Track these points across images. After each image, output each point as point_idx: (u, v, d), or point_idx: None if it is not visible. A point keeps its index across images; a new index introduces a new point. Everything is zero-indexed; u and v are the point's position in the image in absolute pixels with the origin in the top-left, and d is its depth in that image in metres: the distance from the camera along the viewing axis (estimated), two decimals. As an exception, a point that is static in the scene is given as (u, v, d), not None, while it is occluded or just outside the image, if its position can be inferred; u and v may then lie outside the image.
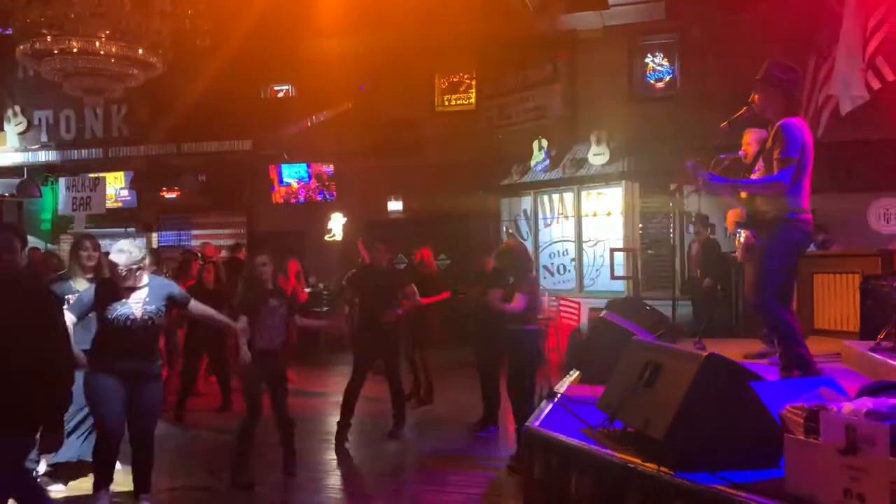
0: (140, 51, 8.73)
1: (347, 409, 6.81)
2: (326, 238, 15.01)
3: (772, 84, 4.40)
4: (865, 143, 9.94)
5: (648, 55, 12.92)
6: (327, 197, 15.07)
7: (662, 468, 2.97)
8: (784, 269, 4.32)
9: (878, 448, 2.31)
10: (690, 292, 9.58)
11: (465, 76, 14.36)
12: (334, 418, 7.00)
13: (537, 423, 3.90)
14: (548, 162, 11.73)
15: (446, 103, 14.51)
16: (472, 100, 14.18)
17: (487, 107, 13.48)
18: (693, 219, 10.07)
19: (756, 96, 4.50)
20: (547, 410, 4.22)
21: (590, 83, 12.33)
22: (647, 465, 3.05)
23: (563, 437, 3.54)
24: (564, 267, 11.61)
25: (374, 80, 14.11)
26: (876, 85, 7.78)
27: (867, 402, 2.49)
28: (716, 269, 9.47)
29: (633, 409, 3.35)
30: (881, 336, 5.53)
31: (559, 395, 4.59)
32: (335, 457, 6.57)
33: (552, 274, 11.81)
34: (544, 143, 11.57)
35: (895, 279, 6.08)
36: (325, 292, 13.41)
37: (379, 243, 7.21)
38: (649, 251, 10.83)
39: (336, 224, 15.19)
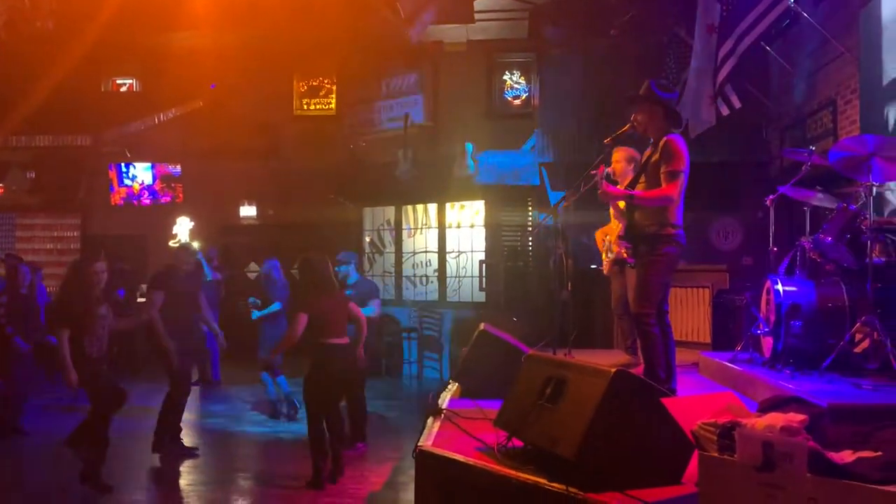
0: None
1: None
2: (171, 244, 14.08)
3: (654, 102, 4.52)
4: (709, 165, 10.63)
5: (507, 72, 13.20)
6: (172, 200, 14.19)
7: (571, 488, 2.89)
8: (666, 282, 4.44)
9: (797, 464, 2.33)
10: (549, 304, 9.79)
11: (326, 81, 14.01)
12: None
13: (430, 443, 3.73)
14: (410, 172, 11.67)
15: (305, 107, 14.07)
16: (333, 105, 13.85)
17: (350, 113, 13.22)
18: (553, 232, 10.33)
19: (638, 115, 4.60)
20: (436, 428, 4.06)
21: (453, 96, 12.39)
22: (555, 484, 2.96)
23: (462, 458, 3.39)
24: (427, 278, 11.56)
25: (228, 79, 13.46)
26: (724, 111, 8.32)
27: (779, 418, 2.53)
28: (573, 282, 9.73)
29: (536, 426, 3.25)
30: (739, 347, 5.86)
31: (444, 412, 4.45)
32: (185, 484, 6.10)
33: (414, 285, 11.73)
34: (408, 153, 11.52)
35: (746, 293, 6.48)
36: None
37: (184, 246, 7.29)
38: (508, 263, 11.03)
39: (182, 229, 14.33)
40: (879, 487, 2.24)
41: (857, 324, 4.73)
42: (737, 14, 8.07)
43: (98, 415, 5.56)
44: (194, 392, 9.88)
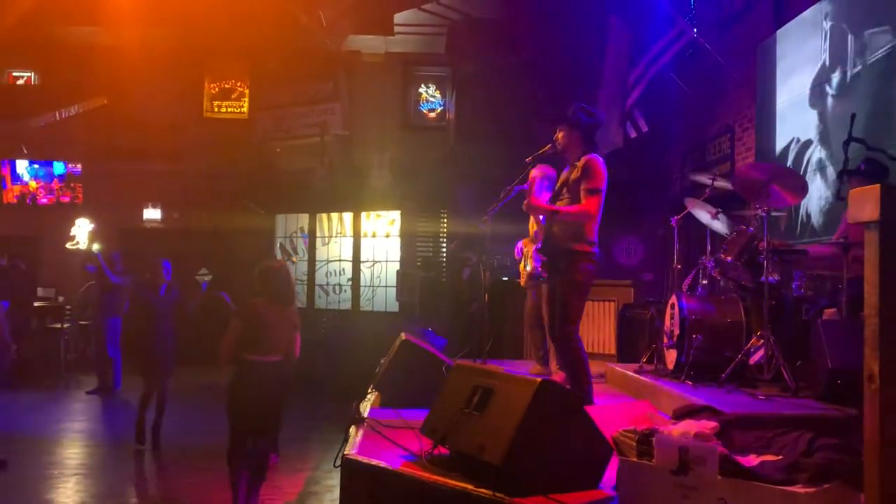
0: None
1: None
2: (69, 246, 13.49)
3: (576, 126, 4.73)
4: (613, 185, 11.09)
5: (422, 85, 13.40)
6: (72, 200, 13.61)
7: (498, 493, 3.00)
8: (584, 300, 4.63)
9: (708, 467, 2.54)
10: (463, 315, 9.95)
11: (238, 83, 13.79)
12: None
13: (355, 451, 3.77)
14: (328, 179, 11.66)
15: (216, 109, 13.81)
16: (245, 109, 13.65)
17: (263, 118, 13.05)
18: (467, 244, 10.53)
19: (560, 135, 4.81)
20: (360, 437, 4.10)
21: (369, 106, 12.46)
22: (482, 490, 3.07)
23: (389, 466, 3.45)
24: (341, 286, 11.52)
25: (135, 76, 13.04)
26: (633, 134, 8.74)
27: (692, 425, 2.73)
28: (483, 293, 9.92)
29: (463, 434, 3.35)
30: (644, 359, 6.16)
31: (367, 420, 4.49)
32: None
33: (327, 294, 11.67)
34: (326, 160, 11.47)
35: (652, 307, 6.81)
36: (67, 307, 12.04)
37: None
38: (424, 273, 11.15)
39: (81, 231, 13.75)
40: (779, 487, 2.46)
41: (753, 338, 5.09)
42: (646, 42, 8.52)
43: None
44: (93, 400, 9.54)
